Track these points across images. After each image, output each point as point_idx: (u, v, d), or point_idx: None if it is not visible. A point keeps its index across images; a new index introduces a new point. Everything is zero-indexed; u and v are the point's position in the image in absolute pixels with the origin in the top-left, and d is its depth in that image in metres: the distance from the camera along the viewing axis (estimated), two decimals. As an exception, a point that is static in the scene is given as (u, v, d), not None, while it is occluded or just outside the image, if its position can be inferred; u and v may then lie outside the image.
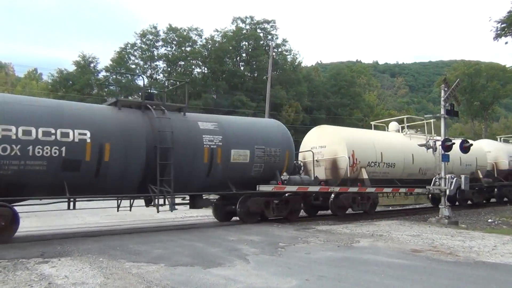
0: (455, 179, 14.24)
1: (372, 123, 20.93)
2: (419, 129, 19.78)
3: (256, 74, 50.02)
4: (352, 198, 15.38)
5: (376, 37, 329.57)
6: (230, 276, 6.22)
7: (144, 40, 47.56)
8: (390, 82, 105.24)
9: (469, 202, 21.82)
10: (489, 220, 15.05)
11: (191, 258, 7.55)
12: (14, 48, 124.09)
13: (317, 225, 12.82)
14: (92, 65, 46.87)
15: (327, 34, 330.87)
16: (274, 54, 39.88)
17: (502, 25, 19.80)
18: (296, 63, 53.62)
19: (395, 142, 17.76)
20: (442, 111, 14.90)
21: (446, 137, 14.64)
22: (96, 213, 14.99)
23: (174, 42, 48.23)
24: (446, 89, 14.85)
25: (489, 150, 22.99)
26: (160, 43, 48.18)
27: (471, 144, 16.06)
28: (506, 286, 5.94)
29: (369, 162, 15.96)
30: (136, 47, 47.52)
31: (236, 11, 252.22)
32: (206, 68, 49.28)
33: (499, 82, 55.62)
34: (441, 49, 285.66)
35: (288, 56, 52.86)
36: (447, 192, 14.30)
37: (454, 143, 14.72)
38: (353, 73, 61.61)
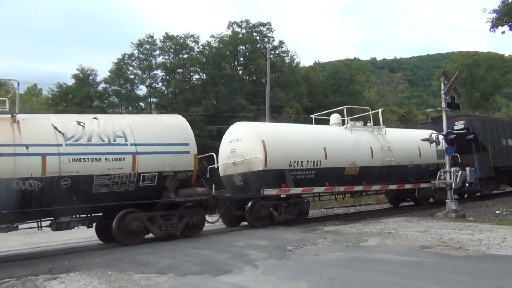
0: (460, 172, 14.17)
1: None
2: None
3: (254, 78, 50.11)
4: None
5: (372, 33, 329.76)
6: (240, 282, 6.18)
7: (141, 49, 47.64)
8: (389, 77, 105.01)
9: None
10: (497, 212, 14.95)
11: (199, 266, 7.51)
12: (13, 64, 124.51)
13: (324, 226, 12.77)
14: (91, 77, 46.96)
15: (324, 33, 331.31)
16: (271, 56, 39.92)
17: (498, 15, 19.79)
18: (294, 64, 53.71)
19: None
20: (443, 104, 14.85)
21: (449, 130, 14.59)
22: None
23: (171, 50, 48.29)
24: (445, 82, 14.80)
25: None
26: (158, 52, 48.27)
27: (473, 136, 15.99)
28: (518, 278, 5.87)
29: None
30: (133, 57, 47.61)
31: (231, 15, 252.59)
32: (204, 74, 49.32)
33: (498, 72, 55.55)
34: (438, 41, 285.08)
35: (285, 58, 52.96)
36: (453, 186, 14.21)
37: (456, 136, 14.68)
38: (352, 71, 61.70)
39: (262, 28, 51.90)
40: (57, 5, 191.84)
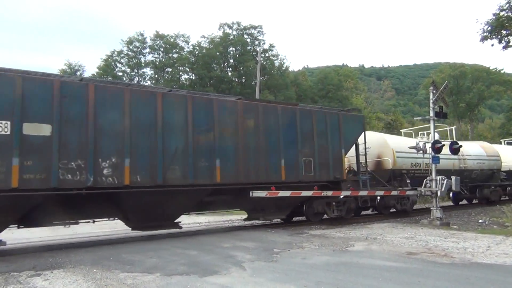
0: (445, 180, 14.35)
1: None
2: None
3: (243, 80, 50.06)
4: None
5: (361, 40, 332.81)
6: (228, 284, 6.14)
7: (131, 47, 47.33)
8: (377, 85, 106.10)
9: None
10: (480, 221, 15.17)
11: (186, 266, 7.46)
12: (0, 57, 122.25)
13: (311, 230, 12.79)
14: (78, 73, 46.44)
15: (313, 39, 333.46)
16: (261, 59, 39.97)
17: (489, 28, 20.09)
18: (284, 68, 53.83)
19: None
20: (431, 113, 15.02)
21: (436, 139, 14.75)
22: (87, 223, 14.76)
23: (161, 49, 48.10)
24: (434, 91, 14.98)
25: None
26: (147, 50, 48.03)
27: (461, 146, 16.17)
28: (503, 287, 5.95)
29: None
30: (123, 55, 47.27)
31: (223, 17, 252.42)
32: (193, 75, 49.17)
33: (484, 83, 56.55)
34: (426, 52, 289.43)
35: (275, 61, 53.07)
36: (438, 194, 14.39)
37: (444, 145, 14.84)
38: (340, 77, 61.96)
39: (253, 31, 51.95)
40: (50, 1, 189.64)
